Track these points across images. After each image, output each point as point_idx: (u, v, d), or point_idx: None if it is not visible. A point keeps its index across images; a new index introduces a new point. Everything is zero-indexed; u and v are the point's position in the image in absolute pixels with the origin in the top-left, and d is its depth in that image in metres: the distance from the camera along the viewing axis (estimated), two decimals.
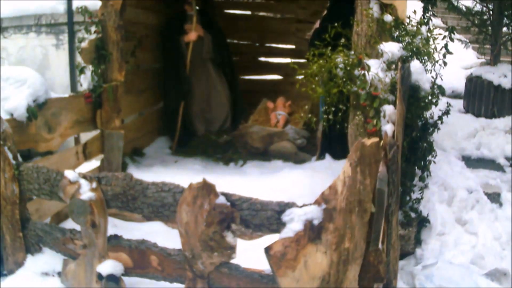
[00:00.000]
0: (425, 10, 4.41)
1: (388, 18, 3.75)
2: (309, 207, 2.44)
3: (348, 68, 3.47)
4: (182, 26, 5.96)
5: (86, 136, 4.87)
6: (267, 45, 7.40)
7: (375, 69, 3.48)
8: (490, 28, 6.23)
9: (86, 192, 2.90)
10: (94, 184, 2.95)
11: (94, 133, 4.79)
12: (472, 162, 5.02)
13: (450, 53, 3.94)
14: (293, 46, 7.25)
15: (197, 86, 6.10)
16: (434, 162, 3.97)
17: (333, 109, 3.77)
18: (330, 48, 3.74)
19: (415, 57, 3.68)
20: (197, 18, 5.80)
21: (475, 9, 6.47)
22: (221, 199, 2.59)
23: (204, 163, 5.49)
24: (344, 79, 3.62)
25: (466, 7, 6.55)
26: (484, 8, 6.29)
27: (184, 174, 4.70)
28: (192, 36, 5.76)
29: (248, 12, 7.36)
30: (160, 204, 2.77)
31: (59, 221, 4.06)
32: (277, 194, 3.87)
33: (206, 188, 2.60)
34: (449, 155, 4.87)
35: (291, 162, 5.41)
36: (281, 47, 7.34)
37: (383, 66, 3.56)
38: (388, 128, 3.23)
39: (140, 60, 5.55)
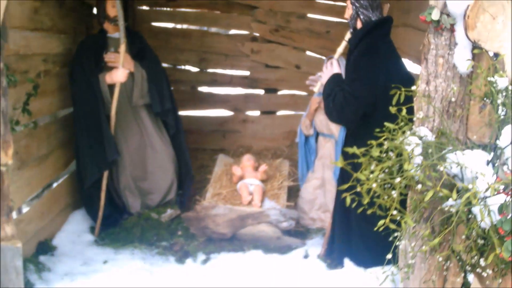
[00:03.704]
0: None
1: (503, 82, 2.15)
2: None
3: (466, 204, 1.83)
4: (100, 55, 3.96)
5: None
6: (211, 70, 5.58)
7: None
8: None
9: None
10: None
11: None
12: None
13: None
14: (247, 73, 5.52)
15: (126, 146, 4.14)
16: None
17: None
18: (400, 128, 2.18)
19: None
20: (126, 45, 3.83)
21: None
22: None
23: (149, 262, 3.70)
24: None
25: None
26: None
27: None
28: (120, 76, 3.78)
29: (186, 26, 5.51)
30: None
31: None
32: None
33: None
34: None
35: (274, 252, 3.79)
36: (230, 74, 5.57)
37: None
38: None
39: (38, 111, 3.58)
